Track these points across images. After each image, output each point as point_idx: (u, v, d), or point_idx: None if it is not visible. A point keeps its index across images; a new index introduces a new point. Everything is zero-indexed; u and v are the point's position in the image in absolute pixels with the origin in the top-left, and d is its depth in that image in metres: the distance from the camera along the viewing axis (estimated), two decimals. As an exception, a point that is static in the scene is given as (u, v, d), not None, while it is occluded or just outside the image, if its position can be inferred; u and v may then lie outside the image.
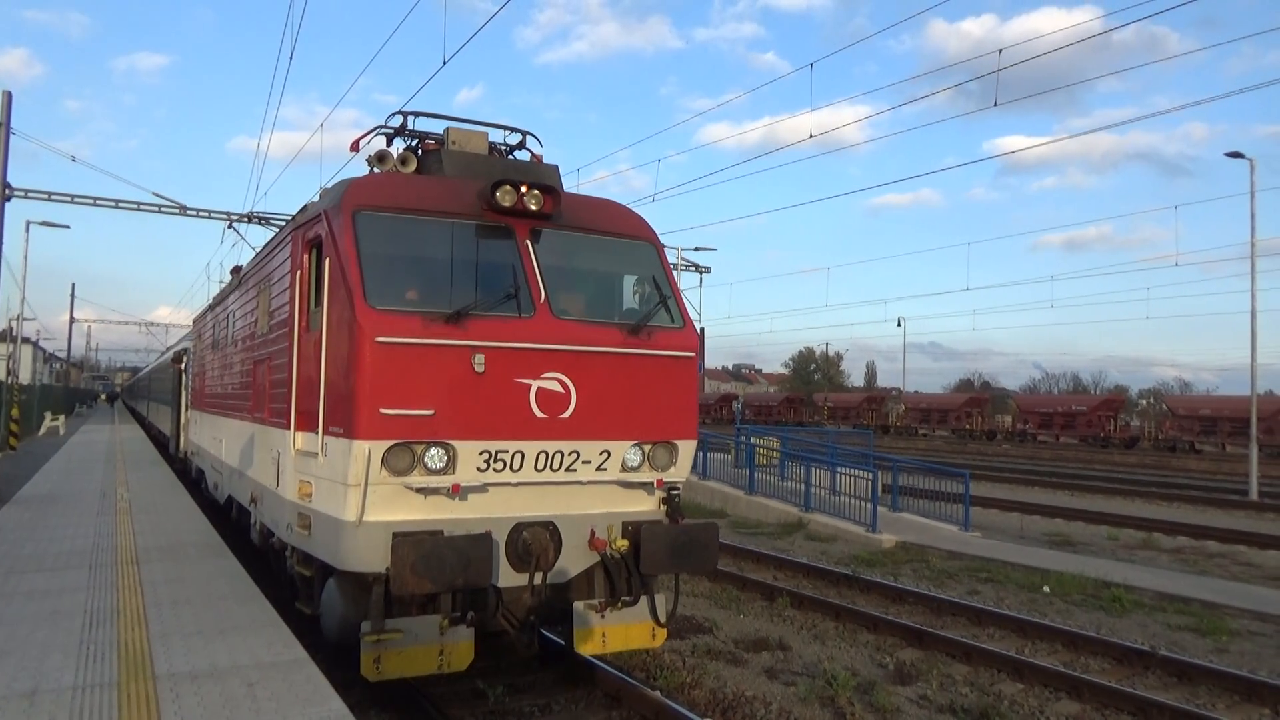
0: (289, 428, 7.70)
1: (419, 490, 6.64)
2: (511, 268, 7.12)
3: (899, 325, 72.15)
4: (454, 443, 6.65)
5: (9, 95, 22.36)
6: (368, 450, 6.39)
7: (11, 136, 22.32)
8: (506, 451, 6.84)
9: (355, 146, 8.32)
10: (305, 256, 7.74)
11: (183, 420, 19.42)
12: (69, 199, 25.26)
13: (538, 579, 6.99)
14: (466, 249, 7.18)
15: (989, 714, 7.85)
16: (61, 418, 41.50)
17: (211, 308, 15.76)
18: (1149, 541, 18.26)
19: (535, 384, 6.88)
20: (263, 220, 16.14)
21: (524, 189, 7.22)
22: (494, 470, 6.84)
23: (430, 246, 7.12)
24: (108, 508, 13.76)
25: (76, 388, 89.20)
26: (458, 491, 6.69)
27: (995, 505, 23.20)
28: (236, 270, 13.93)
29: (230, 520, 12.10)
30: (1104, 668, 9.40)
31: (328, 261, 7.07)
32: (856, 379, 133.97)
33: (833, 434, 31.69)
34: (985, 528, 18.59)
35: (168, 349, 36.65)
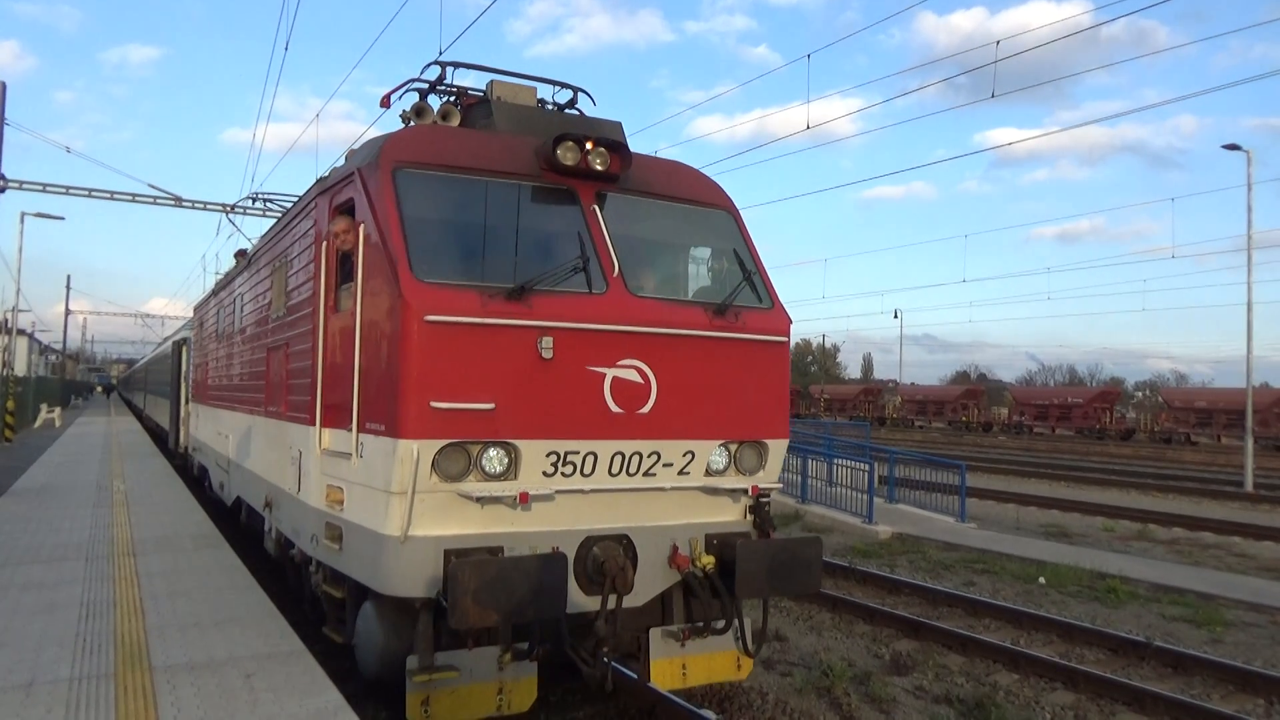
0: (313, 423, 6.87)
1: (476, 499, 5.70)
2: (577, 236, 6.19)
3: (895, 317, 72.20)
4: (517, 442, 5.74)
5: (3, 86, 22.25)
6: (415, 451, 5.46)
7: (6, 127, 22.24)
8: (577, 453, 5.93)
9: (386, 101, 7.47)
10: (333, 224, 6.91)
11: (183, 414, 18.83)
12: (64, 190, 25.20)
13: (612, 602, 6.00)
14: (524, 214, 6.30)
15: (984, 704, 7.88)
16: (57, 410, 41.41)
17: (215, 293, 14.87)
18: (1144, 533, 18.31)
19: (610, 373, 5.97)
20: (266, 202, 15.36)
21: (589, 145, 6.38)
22: (562, 475, 5.94)
23: (482, 211, 6.19)
24: (104, 500, 13.74)
25: (72, 380, 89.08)
26: (525, 501, 5.75)
27: (991, 497, 23.25)
28: (241, 254, 13.25)
29: (240, 524, 11.34)
30: (1099, 658, 9.43)
31: (362, 229, 6.14)
32: (853, 371, 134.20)
33: (829, 425, 31.71)
34: (981, 519, 18.63)
35: (165, 339, 36.42)
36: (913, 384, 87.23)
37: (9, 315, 46.71)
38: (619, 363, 6.01)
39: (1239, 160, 29.17)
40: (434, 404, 5.48)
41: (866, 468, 17.64)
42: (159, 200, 26.17)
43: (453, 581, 5.22)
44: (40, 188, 25.02)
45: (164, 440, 24.52)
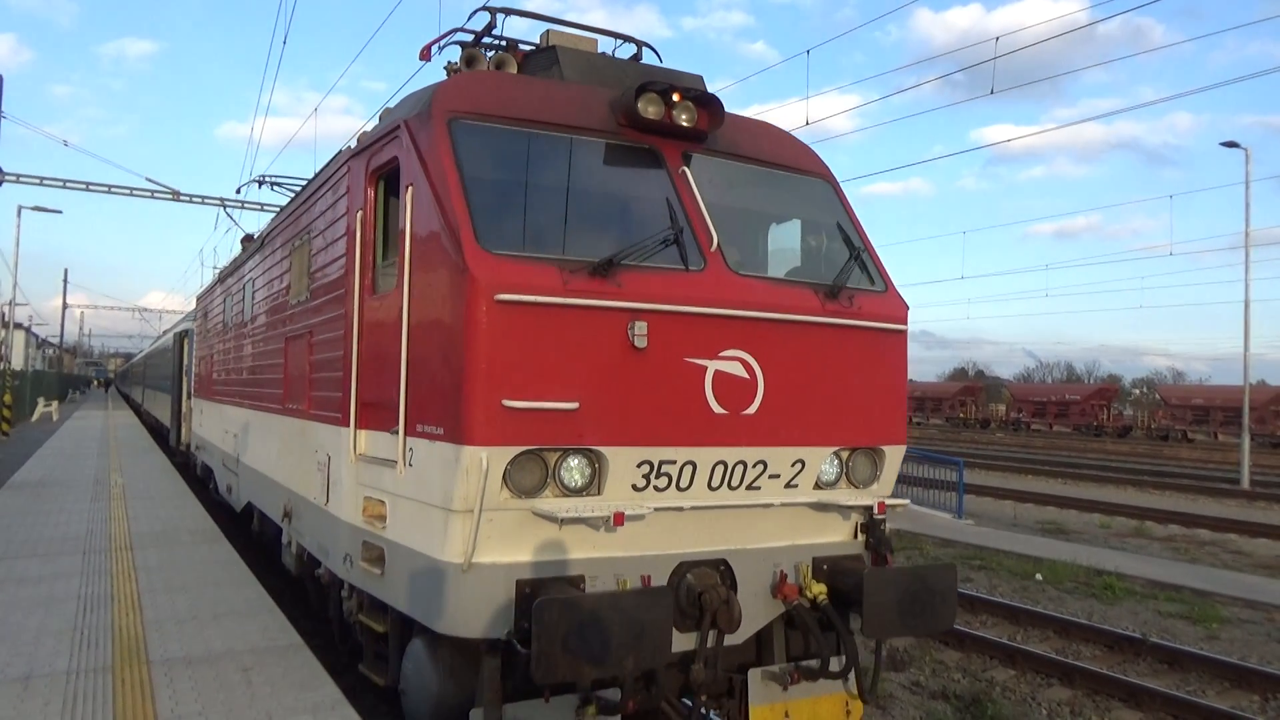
0: (345, 424, 5.98)
1: (559, 521, 4.71)
2: (665, 203, 5.35)
3: (894, 314, 72.19)
4: (603, 450, 4.84)
5: (0, 79, 22.21)
6: (484, 460, 4.54)
7: (3, 121, 22.19)
8: (673, 462, 5.03)
9: (426, 54, 6.59)
10: (370, 191, 5.97)
11: (184, 410, 18.20)
12: (61, 184, 25.13)
13: (711, 640, 5.06)
14: (602, 176, 5.51)
15: (981, 700, 7.89)
16: (55, 404, 41.37)
17: (221, 280, 13.85)
18: (1141, 530, 18.36)
19: (712, 366, 5.08)
20: (273, 185, 14.29)
21: (676, 98, 5.50)
22: (654, 489, 5.03)
23: (554, 171, 5.33)
24: (101, 494, 13.74)
25: (70, 373, 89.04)
26: (620, 523, 4.77)
27: (989, 493, 23.28)
28: (249, 239, 12.70)
29: (252, 533, 10.36)
30: (1095, 654, 9.45)
31: (410, 192, 5.21)
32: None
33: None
34: (979, 515, 18.67)
35: (164, 332, 36.27)
36: (911, 380, 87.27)
37: (6, 309, 46.65)
38: (721, 354, 5.12)
39: (1236, 157, 29.26)
40: (506, 403, 4.57)
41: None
42: (156, 194, 26.12)
43: (538, 625, 4.21)
44: (37, 181, 24.97)
45: (164, 436, 24.44)
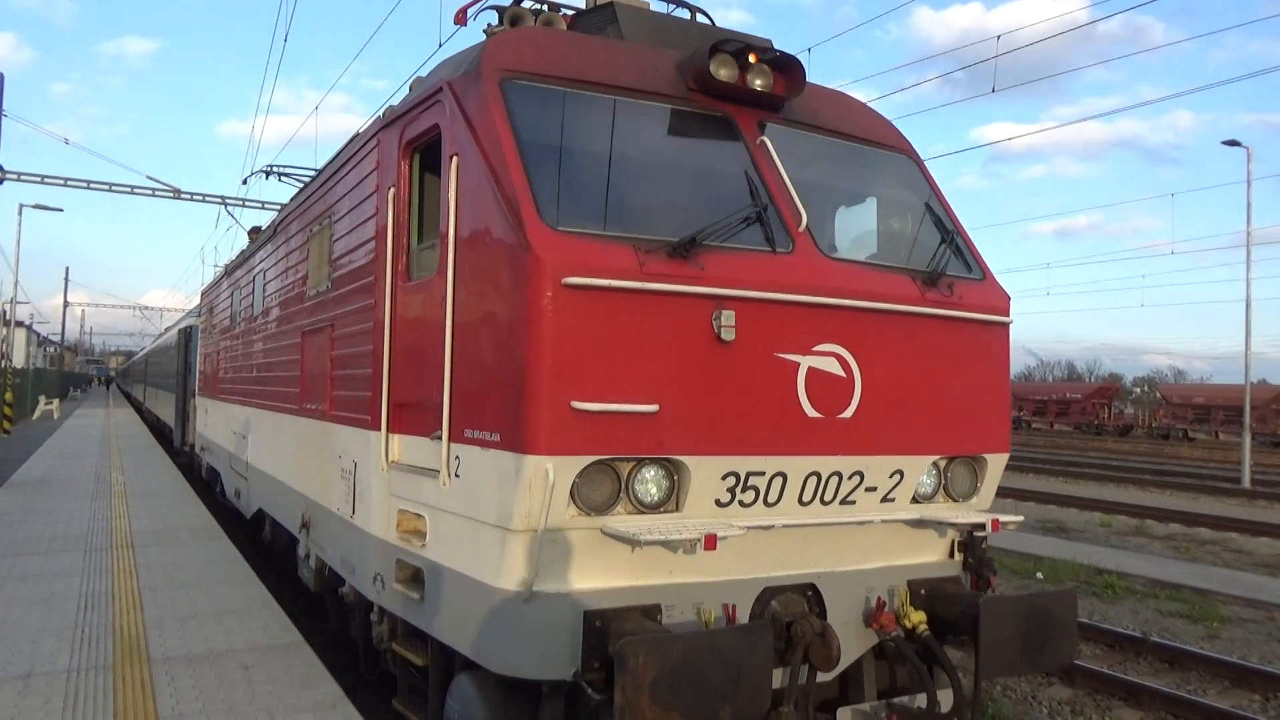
0: (375, 427, 5.40)
1: (637, 543, 4.08)
2: (744, 176, 4.81)
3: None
4: (685, 459, 4.24)
5: (0, 77, 22.22)
6: (549, 472, 3.95)
7: (4, 119, 22.21)
8: (762, 474, 4.45)
9: (461, 18, 6.01)
10: (405, 165, 5.39)
11: (189, 409, 17.89)
12: (62, 182, 25.18)
13: (803, 676, 4.46)
14: (670, 145, 4.96)
15: (981, 700, 7.88)
16: (56, 402, 41.42)
17: (228, 273, 13.27)
18: (1142, 528, 18.34)
19: (805, 362, 4.49)
20: (282, 176, 13.48)
21: (751, 59, 4.93)
22: (739, 504, 4.46)
23: (618, 139, 4.74)
24: (102, 492, 13.76)
25: (71, 372, 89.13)
26: (713, 546, 4.06)
27: (989, 492, 23.26)
28: (256, 231, 12.44)
29: (263, 542, 9.89)
30: (1096, 654, 9.44)
31: (455, 163, 4.63)
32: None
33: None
34: (979, 514, 18.64)
35: (168, 328, 36.23)
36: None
37: (7, 307, 46.71)
38: (815, 348, 4.53)
39: (1237, 156, 29.23)
40: (576, 405, 3.99)
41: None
42: (157, 192, 26.16)
43: (623, 670, 3.63)
44: (39, 179, 25.01)
45: (166, 436, 24.41)
